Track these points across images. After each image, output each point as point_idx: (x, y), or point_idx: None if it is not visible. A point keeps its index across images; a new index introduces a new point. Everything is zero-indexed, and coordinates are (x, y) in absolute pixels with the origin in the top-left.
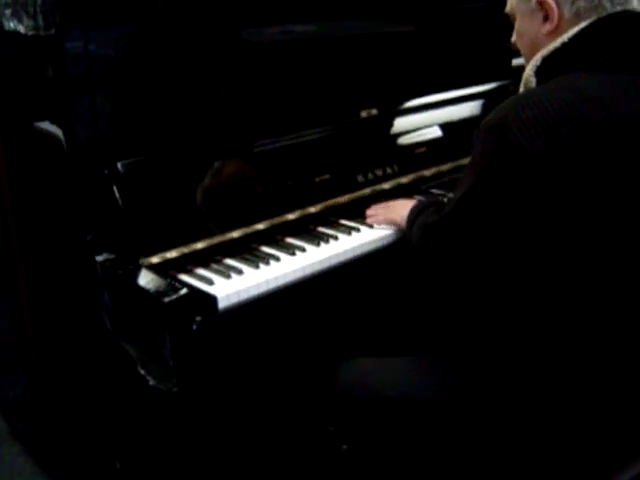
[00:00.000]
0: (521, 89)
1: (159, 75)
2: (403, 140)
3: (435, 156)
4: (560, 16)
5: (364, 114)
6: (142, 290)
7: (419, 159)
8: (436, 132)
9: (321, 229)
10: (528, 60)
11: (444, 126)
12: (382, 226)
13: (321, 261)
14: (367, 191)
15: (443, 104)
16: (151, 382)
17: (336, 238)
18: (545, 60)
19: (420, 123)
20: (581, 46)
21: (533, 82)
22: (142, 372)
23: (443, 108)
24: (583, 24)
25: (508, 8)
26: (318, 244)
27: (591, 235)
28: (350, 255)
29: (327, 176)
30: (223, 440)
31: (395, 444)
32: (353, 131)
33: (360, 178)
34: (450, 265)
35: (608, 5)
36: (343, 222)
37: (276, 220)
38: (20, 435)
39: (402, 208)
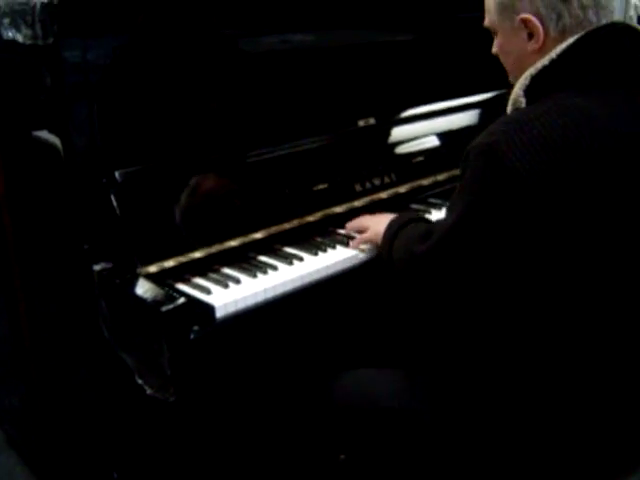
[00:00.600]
0: (509, 108)
1: (157, 84)
2: (401, 149)
3: (433, 165)
4: (545, 34)
5: (362, 123)
6: (139, 299)
7: (416, 168)
8: (434, 141)
9: (319, 238)
10: (513, 75)
11: (442, 135)
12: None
13: (319, 270)
14: (365, 200)
15: (441, 113)
16: (148, 391)
17: (334, 247)
18: (534, 79)
19: (418, 132)
20: (570, 63)
21: (523, 102)
22: (139, 381)
23: (441, 117)
24: (570, 40)
25: (487, 22)
26: (316, 253)
27: (589, 259)
28: (348, 264)
29: (325, 185)
30: (221, 449)
31: (392, 454)
32: (351, 140)
33: (358, 187)
34: (441, 294)
35: (594, 19)
36: (341, 231)
37: (274, 229)
38: (17, 444)
39: (377, 224)
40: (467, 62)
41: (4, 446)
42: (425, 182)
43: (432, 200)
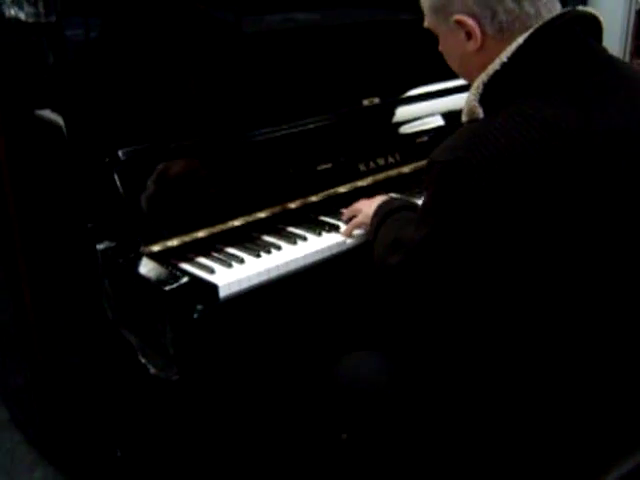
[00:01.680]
0: (464, 118)
1: (160, 62)
2: (405, 129)
3: (437, 145)
4: (483, 33)
5: (366, 103)
6: (143, 278)
7: (421, 148)
8: (438, 121)
9: (323, 218)
10: (465, 77)
11: (446, 115)
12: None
13: (322, 250)
14: (369, 180)
15: (445, 93)
16: (152, 371)
17: (337, 227)
18: (487, 86)
19: (422, 112)
20: (523, 65)
21: (480, 113)
22: (143, 361)
23: (446, 97)
24: (520, 40)
25: (426, 24)
26: (319, 233)
27: (562, 271)
28: (351, 244)
29: (329, 165)
30: (223, 428)
31: (394, 432)
32: (355, 120)
33: (362, 167)
34: (414, 302)
35: (531, 11)
36: (344, 211)
37: (277, 209)
38: (21, 423)
39: (369, 208)
40: None
41: (8, 425)
42: None
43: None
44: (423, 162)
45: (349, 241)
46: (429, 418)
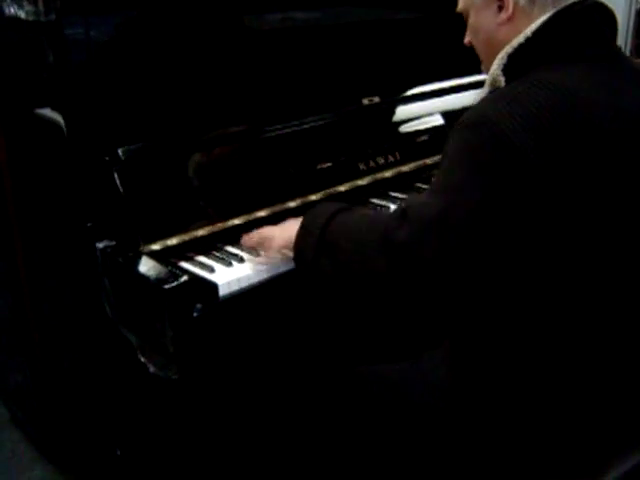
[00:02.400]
0: (485, 89)
1: (160, 61)
2: (405, 128)
3: (437, 145)
4: (515, 4)
5: (366, 102)
6: (142, 277)
7: (421, 147)
8: (438, 120)
9: None
10: (484, 58)
11: (446, 114)
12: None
13: None
14: (368, 179)
15: (445, 92)
16: (151, 369)
17: None
18: (511, 57)
19: (422, 111)
20: (546, 40)
21: (502, 81)
22: (142, 359)
23: (445, 96)
24: (544, 17)
25: (461, 6)
26: None
27: (584, 235)
28: None
29: (328, 164)
30: (223, 427)
31: (397, 445)
32: (355, 119)
33: (362, 166)
34: (433, 286)
35: None
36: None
37: (277, 207)
38: (20, 422)
39: (284, 230)
40: None
41: (7, 423)
42: (429, 161)
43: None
44: (423, 161)
45: None
46: (437, 429)
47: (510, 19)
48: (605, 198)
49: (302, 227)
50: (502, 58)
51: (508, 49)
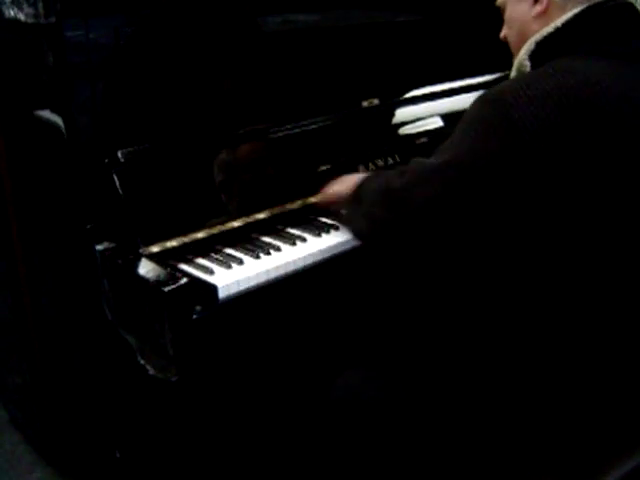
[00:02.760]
0: (513, 74)
1: (160, 63)
2: (404, 130)
3: (436, 146)
4: None
5: (365, 104)
6: (142, 279)
7: (420, 149)
8: (437, 122)
9: (322, 219)
10: (516, 50)
11: (446, 117)
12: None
13: (322, 251)
14: None
15: (445, 94)
16: (151, 371)
17: (337, 228)
18: (539, 44)
19: (422, 113)
20: (574, 31)
21: (527, 66)
22: (142, 361)
23: (445, 99)
24: (575, 10)
25: (500, 0)
26: (319, 234)
27: (576, 218)
28: (351, 245)
29: (328, 166)
30: (222, 429)
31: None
32: (354, 121)
33: (361, 168)
34: (417, 241)
35: None
36: (344, 212)
37: (277, 210)
38: (20, 424)
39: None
40: (472, 43)
41: (7, 426)
42: None
43: None
44: None
45: (349, 242)
46: (426, 431)
47: (544, 12)
48: (603, 184)
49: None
50: (530, 44)
51: (537, 37)
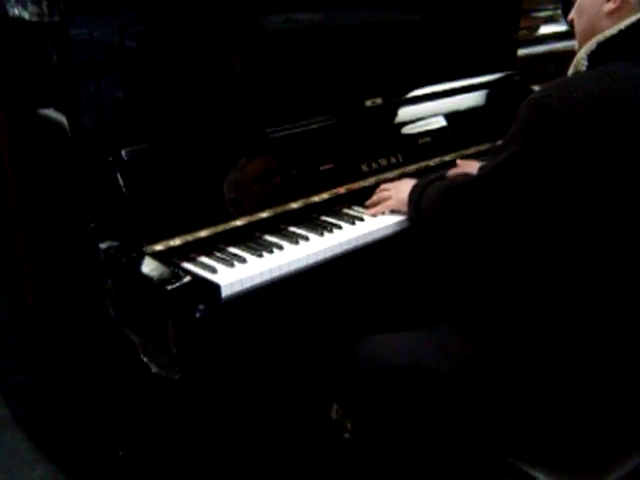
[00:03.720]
0: (570, 71)
1: (164, 62)
2: (407, 130)
3: (439, 146)
4: None
5: (369, 103)
6: (145, 278)
7: (423, 149)
8: (440, 122)
9: (325, 218)
10: (581, 41)
11: (448, 116)
12: (386, 215)
13: (325, 250)
14: (371, 180)
15: (448, 94)
16: (154, 369)
17: (340, 227)
18: (600, 45)
19: (425, 113)
20: (635, 35)
21: (585, 65)
22: (145, 359)
23: (448, 98)
24: None
25: None
26: (322, 233)
27: (618, 216)
28: (354, 244)
29: (331, 165)
30: (225, 427)
31: (403, 415)
32: (357, 120)
33: (364, 167)
34: (471, 229)
35: None
36: (347, 211)
37: (280, 209)
38: (23, 421)
39: (403, 191)
40: (475, 43)
41: (10, 423)
42: (431, 163)
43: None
44: (425, 162)
45: (352, 242)
46: (443, 396)
47: (615, 11)
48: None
49: (409, 196)
50: (591, 44)
51: (600, 37)
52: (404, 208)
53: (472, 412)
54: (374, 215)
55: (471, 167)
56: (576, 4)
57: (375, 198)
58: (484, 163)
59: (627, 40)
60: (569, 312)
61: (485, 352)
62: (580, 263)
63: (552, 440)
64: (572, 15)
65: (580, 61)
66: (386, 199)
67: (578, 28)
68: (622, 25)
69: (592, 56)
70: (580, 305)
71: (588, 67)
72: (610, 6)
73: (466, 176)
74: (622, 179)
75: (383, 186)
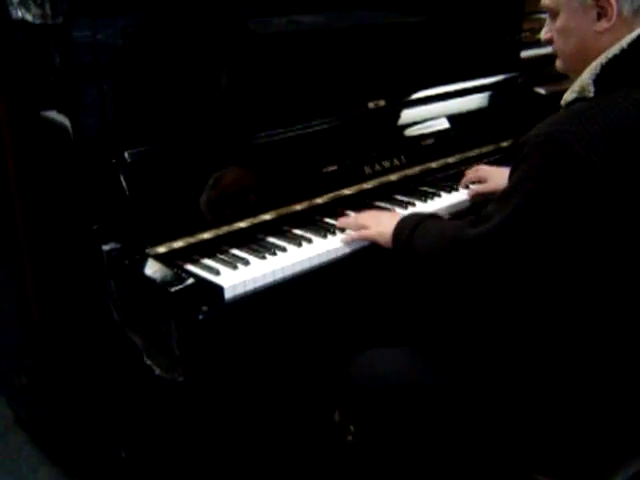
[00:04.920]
0: (571, 95)
1: (167, 64)
2: (410, 132)
3: (442, 148)
4: (619, 13)
5: (371, 105)
6: (148, 280)
7: (426, 151)
8: (443, 124)
9: (328, 220)
10: (572, 60)
11: (451, 118)
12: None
13: (328, 252)
14: (374, 182)
15: (450, 96)
16: (157, 371)
17: (343, 230)
18: (604, 68)
19: (427, 115)
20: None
21: (592, 92)
22: (148, 361)
23: (450, 100)
24: None
25: (548, 1)
26: (324, 235)
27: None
28: (356, 246)
29: (334, 167)
30: (228, 429)
31: (401, 428)
32: (360, 122)
33: (367, 169)
34: (478, 283)
35: None
36: (350, 213)
37: (283, 211)
38: (25, 423)
39: (385, 225)
40: (478, 44)
41: (13, 425)
42: (435, 165)
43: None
44: (428, 164)
45: (355, 244)
46: (439, 411)
47: (609, 29)
48: None
49: (394, 232)
50: (595, 68)
51: (602, 59)
52: (383, 242)
53: (471, 424)
54: (346, 239)
55: (500, 175)
56: (557, 25)
57: (352, 224)
58: (489, 208)
59: (633, 60)
60: (570, 330)
61: (480, 365)
62: (592, 299)
63: (554, 449)
64: (549, 35)
65: (586, 87)
66: (365, 227)
67: (565, 49)
68: (624, 43)
69: (598, 81)
70: (580, 323)
71: (595, 92)
72: (603, 25)
73: (470, 226)
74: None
75: (361, 214)
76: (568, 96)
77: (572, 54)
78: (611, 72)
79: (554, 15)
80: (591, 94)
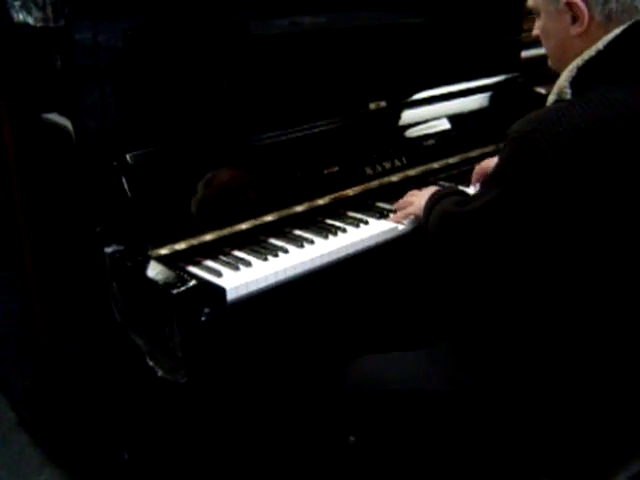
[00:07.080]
0: (552, 97)
1: (168, 66)
2: (411, 132)
3: (443, 148)
4: (590, 18)
5: (373, 106)
6: (151, 281)
7: (427, 151)
8: (444, 124)
9: (329, 221)
10: (555, 60)
11: (452, 118)
12: (389, 219)
13: (329, 253)
14: (375, 183)
15: (451, 96)
16: (159, 373)
17: (344, 230)
18: (580, 70)
19: (428, 115)
20: (616, 55)
21: (568, 93)
22: (150, 363)
23: (451, 100)
24: (617, 30)
25: (531, 3)
26: (326, 236)
27: (606, 247)
28: (358, 247)
29: (335, 168)
30: (231, 431)
31: (402, 436)
32: (362, 123)
33: (368, 170)
34: (460, 256)
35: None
36: (351, 214)
37: (284, 212)
38: (29, 425)
39: (421, 198)
40: (478, 45)
41: (16, 428)
42: (436, 165)
43: (442, 183)
44: (429, 165)
45: (356, 245)
46: (442, 417)
47: (583, 33)
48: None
49: (425, 206)
50: (571, 70)
51: (578, 62)
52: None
53: (470, 429)
54: (397, 222)
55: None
56: (540, 24)
57: (401, 202)
58: (478, 191)
59: (608, 61)
60: (570, 330)
61: (478, 369)
62: (569, 286)
63: (554, 450)
64: (537, 32)
65: (563, 89)
66: (410, 204)
67: (547, 49)
68: (600, 45)
69: (574, 82)
70: (577, 323)
71: (572, 94)
72: (577, 30)
73: (462, 202)
74: (615, 213)
75: (410, 192)
76: (550, 98)
77: (553, 54)
78: (587, 74)
79: (538, 15)
80: (568, 96)
